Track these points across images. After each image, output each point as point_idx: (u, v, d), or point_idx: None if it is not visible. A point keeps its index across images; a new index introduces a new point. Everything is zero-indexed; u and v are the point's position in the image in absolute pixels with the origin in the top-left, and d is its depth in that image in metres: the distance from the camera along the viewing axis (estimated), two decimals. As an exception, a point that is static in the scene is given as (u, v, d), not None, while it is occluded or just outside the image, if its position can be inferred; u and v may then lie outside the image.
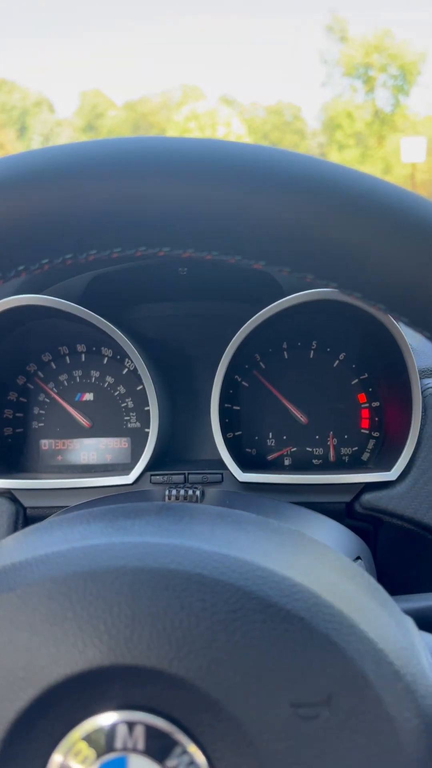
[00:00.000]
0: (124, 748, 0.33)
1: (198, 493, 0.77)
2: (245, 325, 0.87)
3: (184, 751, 0.33)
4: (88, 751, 0.34)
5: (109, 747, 0.33)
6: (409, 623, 0.37)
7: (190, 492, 0.77)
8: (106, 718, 0.34)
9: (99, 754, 0.33)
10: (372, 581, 0.39)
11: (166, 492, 0.77)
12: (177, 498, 0.77)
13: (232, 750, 0.33)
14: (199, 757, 0.33)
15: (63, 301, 0.85)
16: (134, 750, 0.33)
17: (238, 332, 0.87)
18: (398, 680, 0.33)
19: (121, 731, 0.33)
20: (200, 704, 0.33)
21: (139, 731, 0.33)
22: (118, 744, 0.33)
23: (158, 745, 0.33)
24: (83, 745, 0.34)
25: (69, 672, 0.33)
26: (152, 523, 0.39)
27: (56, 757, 0.34)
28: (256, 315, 0.87)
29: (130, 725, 0.33)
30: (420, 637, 0.37)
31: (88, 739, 0.34)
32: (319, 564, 0.38)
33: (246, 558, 0.35)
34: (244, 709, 0.32)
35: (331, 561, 0.39)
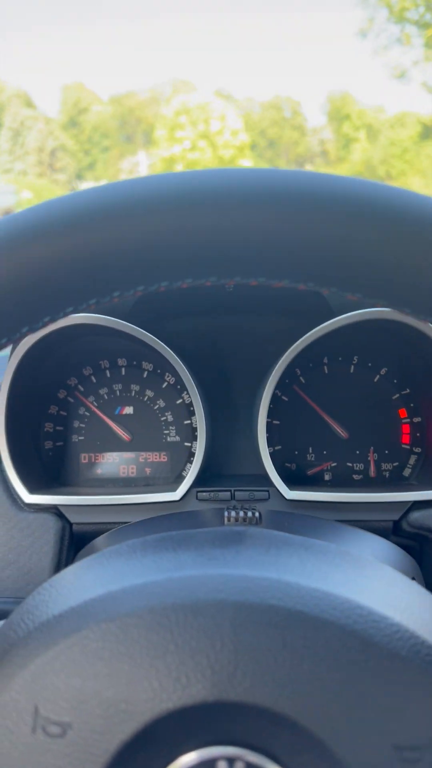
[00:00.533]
0: None
1: (257, 515, 0.80)
2: (296, 343, 0.91)
3: None
4: None
5: None
6: None
7: (249, 514, 0.81)
8: (208, 753, 0.35)
9: None
10: None
11: (225, 514, 0.81)
12: (237, 520, 0.80)
13: None
14: None
15: (114, 319, 0.90)
16: None
17: (289, 350, 0.91)
18: None
19: (222, 767, 0.35)
20: (302, 743, 0.34)
21: (240, 767, 0.35)
22: None
23: None
24: None
25: (172, 707, 0.34)
26: (242, 554, 0.41)
27: None
28: (309, 333, 0.91)
29: (231, 762, 0.35)
30: None
31: None
32: (410, 600, 0.39)
33: (344, 595, 0.36)
34: (348, 750, 0.34)
35: (419, 596, 0.40)
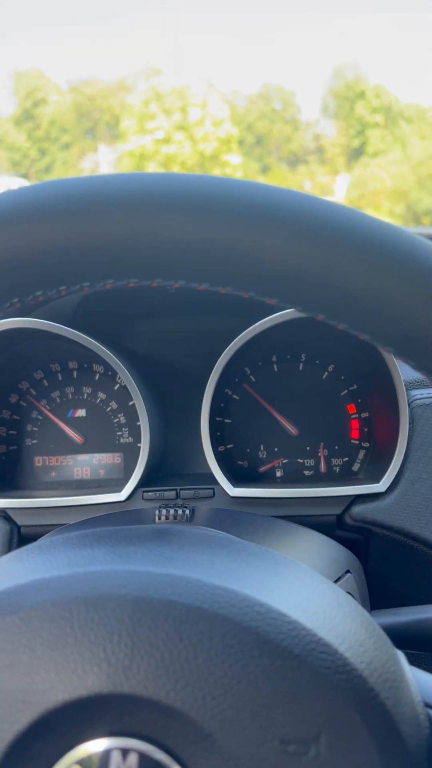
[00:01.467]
0: None
1: (188, 512, 0.90)
2: (235, 340, 1.02)
3: None
4: None
5: None
6: (402, 659, 0.43)
7: (180, 512, 0.90)
8: (101, 744, 0.39)
9: None
10: (366, 616, 0.44)
11: (156, 512, 0.90)
12: (167, 518, 0.89)
13: None
14: None
15: (53, 323, 1.01)
16: None
17: (228, 347, 1.02)
18: (388, 720, 0.38)
19: (115, 758, 0.38)
20: (194, 735, 0.38)
21: (133, 759, 0.38)
22: None
23: None
24: None
25: (68, 697, 0.38)
26: (153, 551, 0.45)
27: None
28: (246, 331, 1.02)
29: (124, 752, 0.38)
30: (411, 672, 0.43)
31: (82, 763, 0.39)
32: (317, 599, 0.43)
33: (245, 592, 0.40)
34: (236, 743, 0.37)
35: (328, 595, 0.44)
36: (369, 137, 30.82)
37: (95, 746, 0.39)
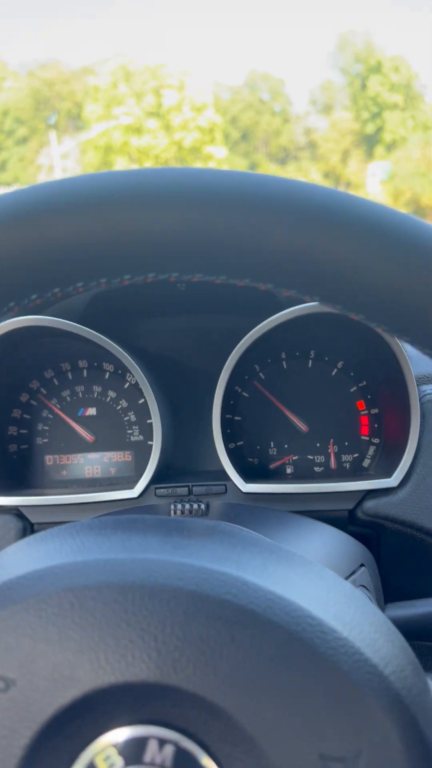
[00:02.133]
0: (152, 763, 0.41)
1: (203, 506, 0.97)
2: (245, 338, 1.10)
3: None
4: (116, 758, 0.41)
5: (138, 759, 0.41)
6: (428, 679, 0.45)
7: (195, 506, 0.97)
8: (139, 731, 0.41)
9: (127, 763, 0.41)
10: (404, 642, 0.46)
11: (172, 506, 0.97)
12: (183, 513, 0.97)
13: None
14: None
15: (64, 321, 1.08)
16: (161, 766, 0.41)
17: (238, 345, 1.10)
18: (427, 750, 0.40)
19: (152, 746, 0.41)
20: (234, 737, 0.40)
21: (169, 750, 0.41)
22: (147, 758, 0.41)
23: (184, 767, 0.41)
24: (113, 751, 0.41)
25: (114, 680, 0.40)
26: (207, 547, 0.47)
27: (84, 757, 0.42)
28: (256, 328, 1.10)
29: (162, 742, 0.41)
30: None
31: (119, 746, 0.41)
32: (362, 618, 0.44)
33: (298, 603, 0.42)
34: (276, 751, 0.39)
35: (372, 616, 0.46)
36: (386, 121, 27.82)
37: (133, 732, 0.41)
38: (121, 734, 0.41)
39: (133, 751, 0.41)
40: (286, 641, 0.40)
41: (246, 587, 0.42)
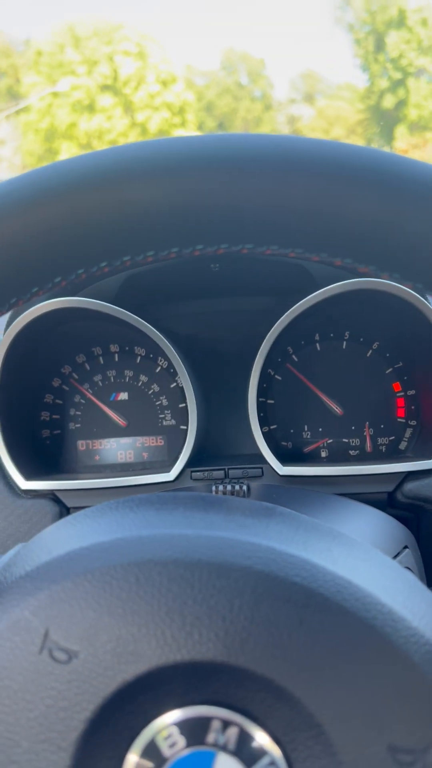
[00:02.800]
0: (215, 744, 0.41)
1: (245, 488, 1.01)
2: (281, 319, 1.14)
3: (272, 762, 0.41)
4: (178, 737, 0.42)
5: (200, 739, 0.41)
6: None
7: (237, 487, 1.01)
8: (203, 711, 0.42)
9: (189, 743, 0.42)
10: None
11: (213, 488, 1.02)
12: (224, 493, 1.00)
13: None
14: None
15: (99, 302, 1.13)
16: (224, 749, 0.41)
17: (274, 326, 1.15)
18: None
19: (215, 727, 0.41)
20: (300, 722, 0.41)
21: (233, 732, 0.41)
22: (210, 739, 0.41)
23: (248, 751, 0.41)
24: (174, 730, 0.42)
25: (180, 658, 0.41)
26: (272, 528, 0.48)
27: (145, 734, 0.42)
28: (292, 308, 1.14)
29: (226, 724, 0.41)
30: None
31: (181, 725, 0.42)
32: (428, 607, 0.45)
33: (368, 589, 0.43)
34: (343, 739, 0.40)
35: (431, 600, 0.47)
36: (411, 92, 22.88)
37: (196, 712, 0.42)
38: (183, 714, 0.42)
39: (196, 731, 0.41)
40: (357, 628, 0.41)
41: (315, 570, 0.43)
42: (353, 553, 0.47)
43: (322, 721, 0.40)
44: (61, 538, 0.48)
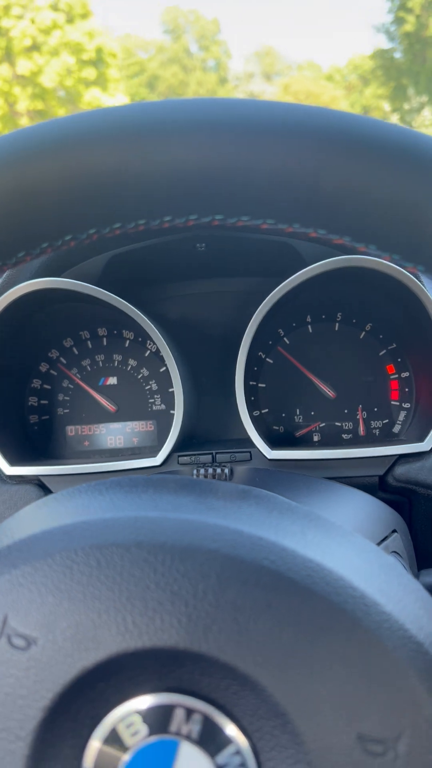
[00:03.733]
0: (178, 733, 0.41)
1: (227, 471, 1.00)
2: (267, 298, 1.12)
3: (237, 752, 0.40)
4: (140, 725, 0.41)
5: (163, 728, 0.41)
6: None
7: (219, 471, 1.00)
8: (166, 699, 0.41)
9: (151, 732, 0.41)
10: None
11: (194, 471, 1.01)
12: (206, 476, 1.00)
13: (287, 765, 0.40)
14: (251, 761, 0.41)
15: (82, 283, 1.12)
16: (188, 737, 0.41)
17: (260, 306, 1.13)
18: None
19: (178, 715, 0.41)
20: (266, 711, 0.40)
21: (197, 720, 0.41)
22: (173, 727, 0.41)
23: (213, 740, 0.41)
24: (137, 719, 0.41)
25: (141, 645, 0.41)
26: (243, 510, 0.47)
27: (107, 722, 0.42)
28: (278, 287, 1.12)
29: (189, 712, 0.41)
30: None
31: (144, 714, 0.41)
32: (405, 594, 0.44)
33: (339, 572, 0.41)
34: (311, 728, 0.39)
35: (413, 589, 0.45)
36: None
37: (159, 700, 0.41)
38: (146, 701, 0.41)
39: (158, 719, 0.41)
40: (326, 612, 0.40)
41: (285, 553, 0.42)
42: (329, 536, 0.46)
43: (289, 709, 0.39)
44: (26, 522, 0.47)
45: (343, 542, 0.46)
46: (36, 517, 0.48)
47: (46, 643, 0.41)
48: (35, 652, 0.41)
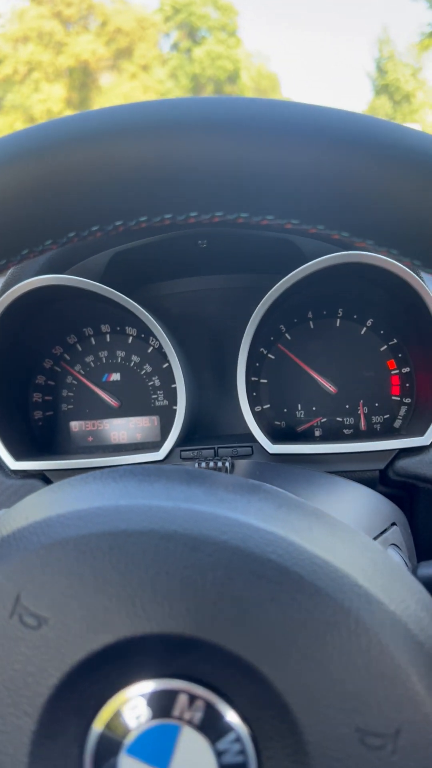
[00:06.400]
0: (180, 718, 0.42)
1: (228, 465, 1.02)
2: (268, 294, 1.14)
3: (237, 739, 0.42)
4: (144, 709, 0.42)
5: (165, 712, 0.42)
6: None
7: (219, 464, 1.02)
8: (171, 684, 0.42)
9: (154, 715, 0.42)
10: None
11: (195, 465, 1.03)
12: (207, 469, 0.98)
13: (286, 755, 0.41)
14: (250, 749, 0.42)
15: (85, 280, 1.13)
16: (189, 723, 0.42)
17: (261, 302, 1.14)
18: None
19: (182, 701, 0.42)
20: (268, 700, 0.41)
21: (199, 706, 0.42)
22: (176, 712, 0.42)
23: (213, 726, 0.42)
24: (141, 702, 0.42)
25: (148, 630, 0.42)
26: (253, 504, 0.48)
27: (111, 704, 0.43)
28: (279, 283, 1.13)
29: (192, 698, 0.42)
30: None
31: (147, 698, 0.42)
32: (406, 592, 0.45)
33: (345, 570, 0.42)
34: (310, 720, 0.40)
35: (416, 590, 0.46)
36: None
37: (163, 685, 0.42)
38: (150, 686, 0.42)
39: (162, 704, 0.42)
40: (330, 608, 0.41)
41: (292, 548, 0.43)
42: (335, 533, 0.47)
43: (289, 700, 0.40)
44: (40, 505, 0.48)
45: (350, 541, 0.47)
46: (51, 501, 0.49)
47: (56, 624, 0.42)
48: (46, 631, 0.42)
